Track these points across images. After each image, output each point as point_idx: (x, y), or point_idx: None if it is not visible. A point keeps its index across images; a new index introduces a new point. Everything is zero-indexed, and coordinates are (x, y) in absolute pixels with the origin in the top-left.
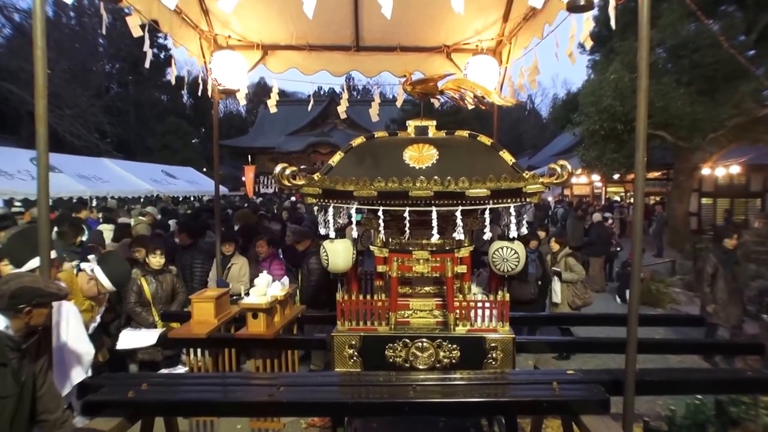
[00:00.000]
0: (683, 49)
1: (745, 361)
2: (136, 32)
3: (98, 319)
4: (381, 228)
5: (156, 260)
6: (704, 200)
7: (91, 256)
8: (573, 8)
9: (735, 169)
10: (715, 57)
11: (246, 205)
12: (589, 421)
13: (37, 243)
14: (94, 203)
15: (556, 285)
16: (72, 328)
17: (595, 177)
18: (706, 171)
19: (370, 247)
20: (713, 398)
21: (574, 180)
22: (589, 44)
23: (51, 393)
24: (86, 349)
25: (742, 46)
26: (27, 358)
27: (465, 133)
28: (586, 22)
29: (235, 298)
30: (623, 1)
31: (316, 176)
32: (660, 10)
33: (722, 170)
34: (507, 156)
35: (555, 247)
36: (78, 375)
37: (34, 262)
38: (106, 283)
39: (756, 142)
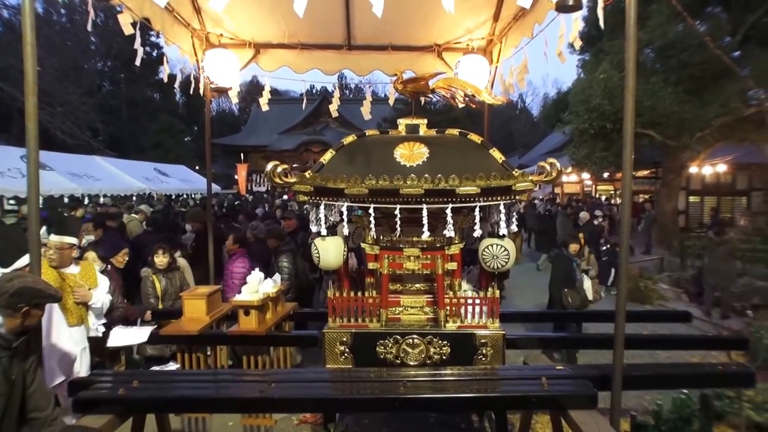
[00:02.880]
0: (671, 50)
1: None
2: (128, 30)
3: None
4: (372, 225)
5: (160, 260)
6: (692, 198)
7: None
8: (561, 8)
9: (722, 167)
10: (702, 57)
11: (238, 202)
12: (577, 415)
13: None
14: (86, 201)
15: (587, 282)
16: (54, 326)
17: (585, 175)
18: (693, 169)
19: (362, 244)
20: (699, 392)
21: (564, 179)
22: (578, 44)
23: (41, 391)
24: (67, 348)
25: (728, 47)
26: (17, 356)
27: (455, 132)
28: (575, 22)
29: None
30: (611, 1)
31: (307, 174)
32: (648, 12)
33: (709, 169)
34: (497, 154)
35: (575, 247)
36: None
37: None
38: None
39: (742, 141)
